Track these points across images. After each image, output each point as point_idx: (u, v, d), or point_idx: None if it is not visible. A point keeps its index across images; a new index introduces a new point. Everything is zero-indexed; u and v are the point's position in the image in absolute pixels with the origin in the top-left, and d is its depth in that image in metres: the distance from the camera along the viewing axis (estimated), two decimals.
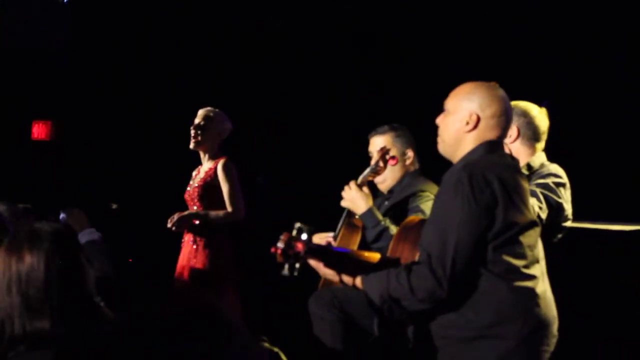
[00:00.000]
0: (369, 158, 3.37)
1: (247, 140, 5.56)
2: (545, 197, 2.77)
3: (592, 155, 4.63)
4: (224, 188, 4.00)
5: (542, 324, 2.21)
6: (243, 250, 4.27)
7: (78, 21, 6.58)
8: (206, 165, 4.13)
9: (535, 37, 5.01)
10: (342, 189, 3.15)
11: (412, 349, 2.37)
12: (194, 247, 4.01)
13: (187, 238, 4.06)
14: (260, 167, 6.16)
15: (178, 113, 5.08)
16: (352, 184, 3.13)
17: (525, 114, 2.93)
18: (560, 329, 2.29)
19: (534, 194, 2.71)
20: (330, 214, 3.37)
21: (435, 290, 2.11)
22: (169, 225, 3.98)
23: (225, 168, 4.01)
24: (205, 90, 5.75)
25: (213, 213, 3.99)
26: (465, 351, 2.18)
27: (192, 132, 4.07)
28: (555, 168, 2.92)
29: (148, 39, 6.48)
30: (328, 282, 2.91)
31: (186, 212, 4.03)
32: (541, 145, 2.99)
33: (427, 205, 3.13)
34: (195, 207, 4.08)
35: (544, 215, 2.71)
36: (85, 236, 2.84)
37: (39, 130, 7.02)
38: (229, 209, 3.99)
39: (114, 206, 6.06)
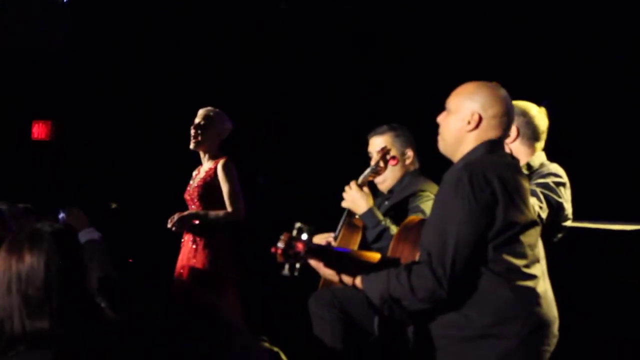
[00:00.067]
0: (369, 158, 3.37)
1: (247, 140, 5.56)
2: (546, 196, 2.77)
3: (592, 155, 4.63)
4: (224, 188, 4.00)
5: (543, 324, 2.21)
6: (243, 250, 4.27)
7: (78, 21, 6.58)
8: (206, 165, 4.13)
9: (535, 37, 5.01)
10: (342, 189, 3.15)
11: (412, 348, 2.37)
12: (194, 247, 4.01)
13: (187, 238, 4.06)
14: (260, 167, 6.16)
15: (178, 113, 5.08)
16: (352, 184, 3.14)
17: (524, 114, 2.93)
18: (560, 329, 2.29)
19: (534, 194, 2.71)
20: (330, 214, 3.37)
21: (435, 289, 2.11)
22: (169, 225, 3.98)
23: (225, 168, 4.01)
24: (205, 90, 5.75)
25: (213, 213, 3.99)
26: (465, 351, 2.18)
27: (192, 131, 4.07)
28: (555, 167, 2.92)
29: (148, 39, 6.48)
30: (328, 282, 2.91)
31: (186, 212, 4.02)
32: (541, 144, 2.99)
33: (427, 205, 3.13)
34: (195, 207, 4.08)
35: (544, 215, 2.71)
36: (85, 235, 2.84)
37: (39, 130, 7.02)
38: (229, 209, 3.99)
39: (114, 206, 6.07)
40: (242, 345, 1.28)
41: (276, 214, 5.34)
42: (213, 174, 4.04)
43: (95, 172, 6.55)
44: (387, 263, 2.30)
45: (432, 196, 3.14)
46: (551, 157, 2.99)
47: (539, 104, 3.01)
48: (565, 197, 2.86)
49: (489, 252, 2.16)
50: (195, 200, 4.07)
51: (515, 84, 2.64)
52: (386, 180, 3.38)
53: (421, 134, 3.22)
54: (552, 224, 2.77)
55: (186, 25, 6.37)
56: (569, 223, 2.90)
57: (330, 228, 3.28)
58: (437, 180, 2.57)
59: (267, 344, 1.72)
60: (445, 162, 2.40)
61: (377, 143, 3.37)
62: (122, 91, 6.59)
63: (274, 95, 6.22)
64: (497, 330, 2.15)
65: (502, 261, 2.16)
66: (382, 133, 3.39)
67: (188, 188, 4.17)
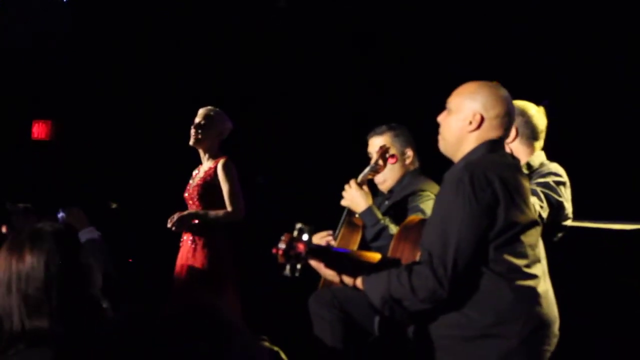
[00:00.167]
0: (369, 159, 3.37)
1: (247, 140, 5.56)
2: (546, 195, 2.77)
3: (592, 155, 4.63)
4: (224, 188, 4.00)
5: (544, 324, 2.21)
6: (243, 250, 4.27)
7: (78, 21, 6.58)
8: (206, 164, 4.13)
9: (535, 37, 5.00)
10: (342, 188, 3.15)
11: (412, 348, 2.37)
12: (193, 246, 4.01)
13: (186, 237, 4.06)
14: (260, 167, 6.16)
15: (178, 113, 5.08)
16: (352, 182, 3.14)
17: (523, 114, 2.93)
18: (561, 329, 2.29)
19: (534, 193, 2.71)
20: (330, 213, 3.37)
21: (436, 290, 2.11)
22: (168, 225, 3.98)
23: (225, 168, 4.02)
24: (205, 90, 5.75)
25: (213, 213, 3.99)
26: (466, 351, 2.18)
27: (193, 131, 4.07)
28: (555, 167, 2.93)
29: (148, 39, 6.48)
30: (328, 282, 2.91)
31: (186, 212, 4.02)
32: (540, 144, 2.99)
33: (426, 205, 3.13)
34: (194, 207, 4.08)
35: (545, 214, 2.71)
36: (85, 235, 2.84)
37: (39, 130, 7.02)
38: (229, 208, 3.99)
39: (114, 206, 6.07)
40: (242, 345, 1.28)
41: (276, 214, 5.34)
42: (213, 173, 4.04)
43: (95, 172, 6.55)
44: (387, 263, 2.30)
45: (432, 196, 3.14)
46: (551, 157, 2.99)
47: (538, 103, 3.01)
48: (566, 196, 2.86)
49: (489, 252, 2.16)
50: (195, 199, 4.07)
51: (515, 84, 2.64)
52: (386, 180, 3.38)
53: (421, 134, 3.22)
54: (552, 223, 2.78)
55: (186, 25, 6.37)
56: (569, 222, 2.91)
57: (330, 228, 3.28)
58: (438, 180, 2.57)
59: (267, 344, 1.72)
60: (446, 161, 2.40)
61: (376, 143, 3.37)
62: (122, 91, 6.59)
63: (274, 95, 6.22)
64: (498, 330, 2.15)
65: (503, 261, 2.16)
66: (381, 133, 3.39)
67: (187, 187, 4.17)
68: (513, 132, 2.90)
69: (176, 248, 4.12)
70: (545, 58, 4.96)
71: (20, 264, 1.92)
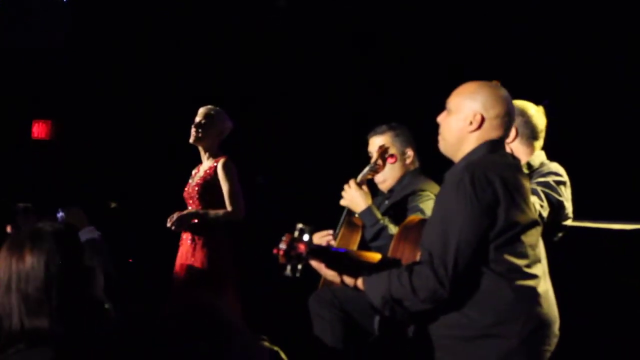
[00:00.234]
0: (369, 158, 3.37)
1: (247, 140, 5.56)
2: (547, 195, 2.77)
3: (592, 155, 4.63)
4: (224, 187, 4.00)
5: (544, 324, 2.21)
6: (243, 250, 4.26)
7: (78, 21, 6.58)
8: (206, 163, 4.13)
9: (535, 37, 5.01)
10: (342, 188, 3.15)
11: (413, 348, 2.37)
12: (192, 245, 4.00)
13: (185, 237, 4.05)
14: (260, 167, 6.16)
15: (178, 113, 5.08)
16: (351, 182, 3.14)
17: (522, 113, 2.92)
18: (561, 329, 2.29)
19: (535, 192, 2.71)
20: (330, 214, 3.37)
21: (437, 290, 2.11)
22: (168, 224, 3.98)
23: (225, 167, 4.02)
24: (205, 90, 5.75)
25: (213, 212, 3.99)
26: (466, 351, 2.18)
27: (193, 130, 4.07)
28: (555, 167, 2.93)
29: (148, 39, 6.48)
30: (328, 282, 2.91)
31: (186, 211, 4.02)
32: (540, 143, 2.98)
33: (426, 205, 3.13)
34: (194, 206, 4.07)
35: (545, 214, 2.71)
36: (85, 235, 2.85)
37: (39, 130, 7.03)
38: (229, 208, 3.99)
39: (114, 205, 6.07)
40: (242, 345, 1.28)
41: (276, 214, 5.34)
42: (213, 172, 4.04)
43: (95, 171, 6.56)
44: (388, 263, 2.29)
45: (432, 196, 3.14)
46: (551, 157, 2.99)
47: (538, 103, 3.01)
48: (566, 195, 2.86)
49: (490, 252, 2.15)
50: (195, 198, 4.07)
51: (515, 84, 2.64)
52: (386, 179, 3.38)
53: (421, 134, 3.22)
54: (552, 222, 2.77)
55: (186, 25, 6.37)
56: (569, 222, 2.90)
57: (330, 228, 3.28)
58: (438, 180, 2.56)
59: (267, 344, 1.72)
60: (446, 161, 2.40)
61: (376, 143, 3.36)
62: (122, 91, 6.59)
63: (274, 95, 6.22)
64: (498, 330, 2.15)
65: (504, 261, 2.16)
66: (381, 133, 3.39)
67: (187, 187, 4.17)
68: (513, 132, 2.90)
69: (176, 248, 4.12)
70: (545, 58, 4.96)
71: (20, 263, 1.92)
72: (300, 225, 2.12)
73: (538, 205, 2.66)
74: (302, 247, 2.10)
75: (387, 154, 3.29)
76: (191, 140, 4.07)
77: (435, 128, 2.42)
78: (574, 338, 2.51)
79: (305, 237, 2.11)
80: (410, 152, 3.38)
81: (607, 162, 4.68)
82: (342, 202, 3.17)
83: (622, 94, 4.76)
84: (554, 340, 2.26)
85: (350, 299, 2.96)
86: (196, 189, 4.06)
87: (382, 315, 2.43)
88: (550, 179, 2.83)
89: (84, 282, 1.99)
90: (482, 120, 2.29)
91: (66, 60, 6.65)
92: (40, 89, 6.69)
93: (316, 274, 2.43)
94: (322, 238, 3.24)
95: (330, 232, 3.25)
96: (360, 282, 2.26)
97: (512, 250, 2.17)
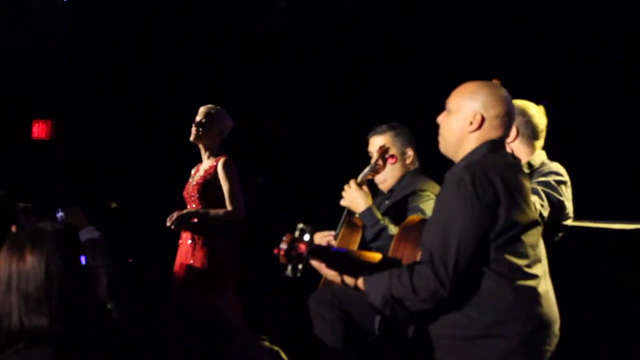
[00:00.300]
0: (369, 158, 3.37)
1: (247, 139, 5.56)
2: (547, 194, 2.77)
3: (592, 154, 4.63)
4: (224, 187, 4.00)
5: (544, 324, 2.21)
6: (243, 250, 4.26)
7: (78, 21, 6.58)
8: (206, 163, 4.13)
9: (535, 37, 5.01)
10: (342, 188, 3.15)
11: (413, 348, 2.37)
12: (192, 245, 4.00)
13: (185, 236, 4.05)
14: (260, 167, 6.16)
15: (178, 112, 5.08)
16: (351, 182, 3.14)
17: (523, 113, 2.92)
18: (561, 329, 2.29)
19: (535, 192, 2.71)
20: (330, 214, 3.37)
21: (437, 290, 2.11)
22: (168, 223, 3.98)
23: (225, 167, 4.02)
24: (205, 90, 5.74)
25: (212, 212, 3.99)
26: (466, 350, 2.18)
27: (193, 129, 4.07)
28: (556, 166, 2.93)
29: (148, 39, 6.48)
30: (329, 282, 2.91)
31: (185, 211, 4.02)
32: (540, 143, 2.99)
33: (426, 205, 3.13)
34: (194, 205, 4.07)
35: (545, 213, 2.71)
36: (85, 235, 2.85)
37: (39, 130, 7.02)
38: (229, 208, 3.99)
39: (114, 205, 6.07)
40: (242, 345, 1.28)
41: (276, 214, 5.34)
42: (213, 172, 4.04)
43: (95, 171, 6.56)
44: (388, 263, 2.30)
45: (432, 196, 3.14)
46: (552, 157, 2.99)
47: (538, 103, 3.01)
48: (567, 195, 2.86)
49: (490, 252, 2.16)
50: (195, 198, 4.07)
51: (515, 84, 2.64)
52: (387, 179, 3.38)
53: (421, 134, 3.22)
54: (553, 222, 2.77)
55: (186, 25, 6.37)
56: (570, 222, 2.90)
57: (330, 228, 3.28)
58: (438, 180, 2.56)
59: (267, 344, 1.72)
60: (446, 161, 2.40)
61: (377, 142, 3.36)
62: (122, 91, 6.59)
63: (274, 95, 6.22)
64: (498, 330, 2.15)
65: (504, 261, 2.16)
66: (382, 132, 3.39)
67: (187, 186, 4.16)
68: (513, 132, 2.90)
69: (176, 247, 4.12)
70: (545, 58, 4.96)
71: (20, 263, 1.92)
72: (301, 225, 2.12)
73: (539, 205, 2.67)
74: (303, 247, 2.10)
75: (387, 154, 3.29)
76: (192, 139, 4.07)
77: (435, 128, 2.42)
78: (574, 338, 2.51)
79: (306, 237, 2.11)
80: (410, 152, 3.38)
81: (607, 162, 4.68)
82: (343, 203, 3.17)
83: (622, 94, 4.76)
84: (555, 340, 2.26)
85: (351, 299, 2.96)
86: (196, 188, 4.05)
87: (383, 315, 2.43)
88: (551, 178, 2.83)
89: (84, 282, 1.99)
90: (482, 120, 2.29)
91: (66, 60, 6.65)
92: (40, 89, 6.68)
93: (316, 274, 2.43)
94: (323, 238, 3.25)
95: (331, 233, 3.26)
96: (360, 282, 2.26)
97: (512, 250, 2.17)
